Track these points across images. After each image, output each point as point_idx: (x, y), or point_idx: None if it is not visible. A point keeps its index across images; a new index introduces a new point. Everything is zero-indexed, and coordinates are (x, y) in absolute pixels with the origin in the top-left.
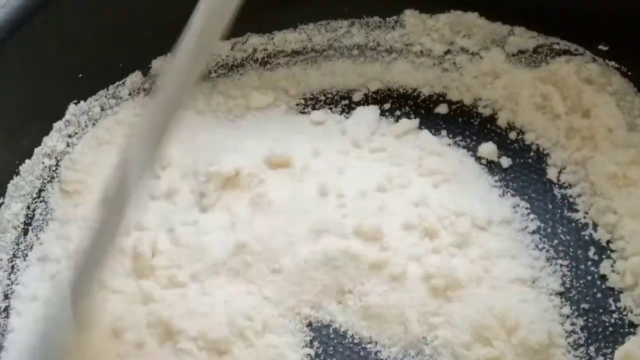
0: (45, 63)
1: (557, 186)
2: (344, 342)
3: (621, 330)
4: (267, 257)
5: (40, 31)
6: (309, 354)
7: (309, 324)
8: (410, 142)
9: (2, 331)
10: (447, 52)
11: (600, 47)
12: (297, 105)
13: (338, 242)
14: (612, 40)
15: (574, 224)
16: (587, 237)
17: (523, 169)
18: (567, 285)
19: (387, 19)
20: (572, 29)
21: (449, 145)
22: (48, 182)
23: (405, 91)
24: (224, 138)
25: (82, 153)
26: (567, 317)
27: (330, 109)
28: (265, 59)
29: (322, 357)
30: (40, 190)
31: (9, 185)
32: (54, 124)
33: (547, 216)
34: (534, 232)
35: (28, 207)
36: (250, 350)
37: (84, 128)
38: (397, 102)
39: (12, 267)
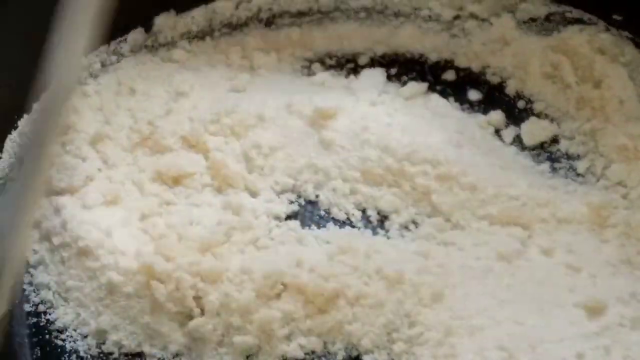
0: (46, 16)
1: (565, 157)
2: None
3: None
4: None
5: None
6: None
7: None
8: (421, 105)
9: None
10: (456, 17)
11: (614, 16)
12: (301, 67)
13: None
14: (626, 10)
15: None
16: None
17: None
18: None
19: None
20: None
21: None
22: None
23: (412, 56)
24: (225, 98)
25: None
26: None
27: (336, 71)
28: (270, 19)
29: None
30: None
31: (7, 140)
32: None
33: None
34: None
35: None
36: None
37: (84, 84)
38: (403, 67)
39: None
